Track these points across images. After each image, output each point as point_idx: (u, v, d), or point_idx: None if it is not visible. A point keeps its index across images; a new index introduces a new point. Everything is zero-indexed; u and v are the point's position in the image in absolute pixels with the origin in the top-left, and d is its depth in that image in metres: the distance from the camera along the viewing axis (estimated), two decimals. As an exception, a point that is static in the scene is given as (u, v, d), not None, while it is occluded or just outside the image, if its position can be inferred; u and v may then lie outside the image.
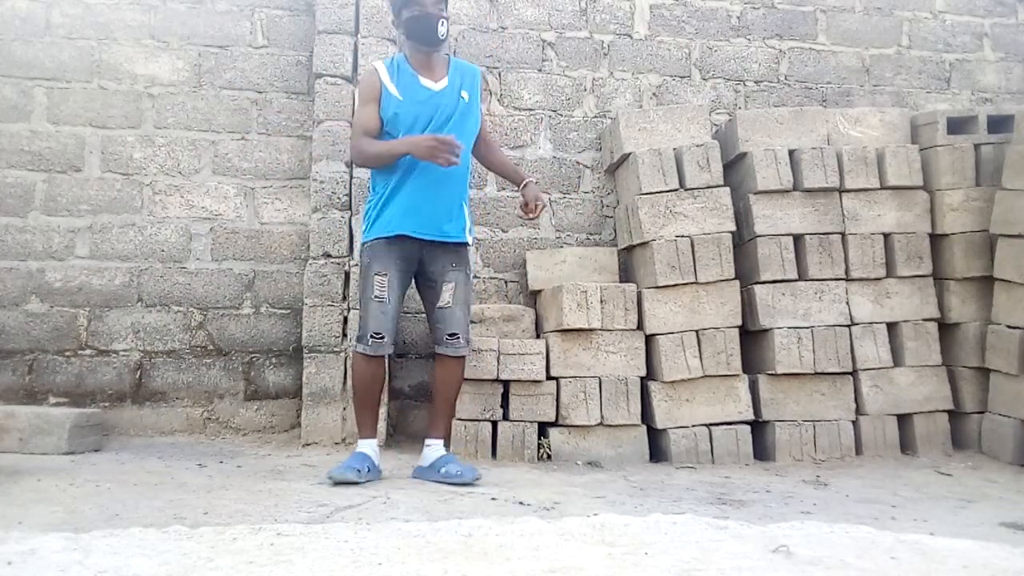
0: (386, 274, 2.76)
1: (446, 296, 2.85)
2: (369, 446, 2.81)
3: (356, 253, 3.57)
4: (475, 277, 3.67)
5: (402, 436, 3.61)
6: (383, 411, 3.47)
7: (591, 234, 3.98)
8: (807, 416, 3.39)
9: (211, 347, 3.75)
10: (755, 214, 3.49)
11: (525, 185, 2.99)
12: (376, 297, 2.76)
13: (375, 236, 2.81)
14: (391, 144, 2.77)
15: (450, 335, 2.85)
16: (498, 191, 3.89)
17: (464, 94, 2.87)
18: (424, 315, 3.77)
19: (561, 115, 3.99)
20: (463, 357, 2.92)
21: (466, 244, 2.91)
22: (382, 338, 2.77)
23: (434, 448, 2.83)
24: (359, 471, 2.67)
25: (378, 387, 2.87)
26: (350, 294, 3.54)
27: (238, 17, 3.88)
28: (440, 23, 2.78)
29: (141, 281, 3.72)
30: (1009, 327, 3.31)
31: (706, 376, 3.35)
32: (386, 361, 2.93)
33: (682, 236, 3.43)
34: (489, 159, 3.14)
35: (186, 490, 2.49)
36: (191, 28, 3.84)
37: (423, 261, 2.85)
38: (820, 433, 3.38)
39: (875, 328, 3.47)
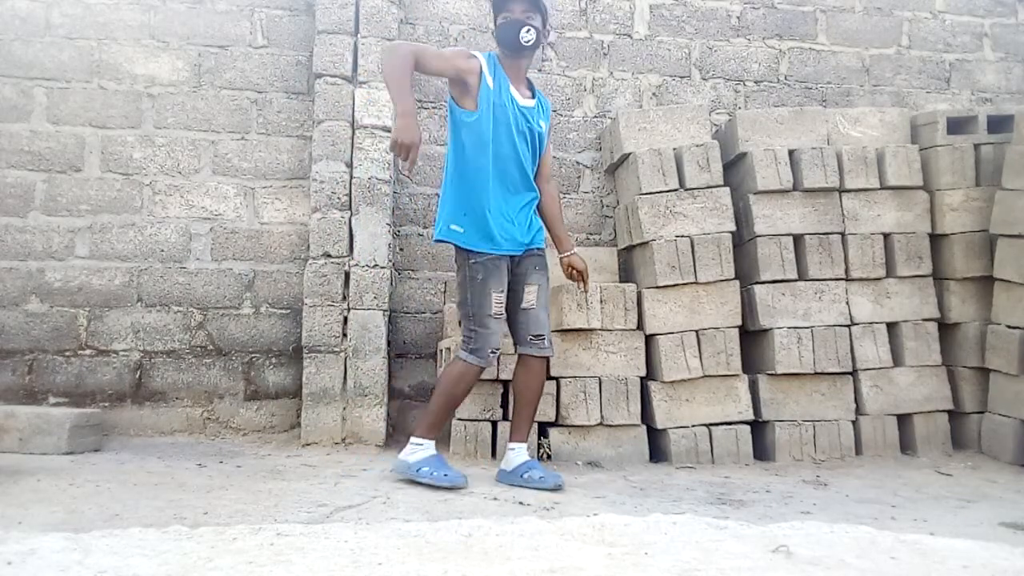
0: (503, 291, 2.80)
1: (530, 298, 2.88)
2: (433, 446, 2.81)
3: (356, 253, 3.57)
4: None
5: (402, 436, 3.61)
6: (383, 411, 3.49)
7: (591, 234, 3.98)
8: (807, 416, 3.39)
9: (211, 347, 3.75)
10: (755, 214, 3.49)
11: (570, 255, 3.03)
12: (495, 315, 2.78)
13: (487, 251, 2.78)
14: (405, 88, 2.65)
15: (535, 336, 2.87)
16: (498, 191, 3.88)
17: (542, 124, 2.91)
18: (423, 315, 3.82)
19: (561, 115, 3.99)
20: (547, 358, 2.93)
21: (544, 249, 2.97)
22: (498, 352, 2.85)
23: (517, 452, 2.84)
24: (461, 475, 2.71)
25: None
26: (350, 294, 3.54)
27: (238, 17, 3.88)
28: (525, 29, 2.77)
29: (141, 281, 3.72)
30: (1009, 327, 3.31)
31: (706, 376, 3.35)
32: None
33: (682, 236, 3.42)
34: (542, 203, 3.00)
35: (186, 490, 2.50)
36: (191, 28, 3.84)
37: (509, 266, 2.88)
38: (820, 433, 3.38)
39: (875, 328, 3.48)
